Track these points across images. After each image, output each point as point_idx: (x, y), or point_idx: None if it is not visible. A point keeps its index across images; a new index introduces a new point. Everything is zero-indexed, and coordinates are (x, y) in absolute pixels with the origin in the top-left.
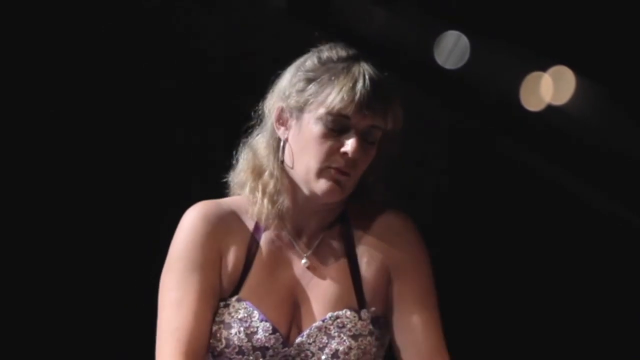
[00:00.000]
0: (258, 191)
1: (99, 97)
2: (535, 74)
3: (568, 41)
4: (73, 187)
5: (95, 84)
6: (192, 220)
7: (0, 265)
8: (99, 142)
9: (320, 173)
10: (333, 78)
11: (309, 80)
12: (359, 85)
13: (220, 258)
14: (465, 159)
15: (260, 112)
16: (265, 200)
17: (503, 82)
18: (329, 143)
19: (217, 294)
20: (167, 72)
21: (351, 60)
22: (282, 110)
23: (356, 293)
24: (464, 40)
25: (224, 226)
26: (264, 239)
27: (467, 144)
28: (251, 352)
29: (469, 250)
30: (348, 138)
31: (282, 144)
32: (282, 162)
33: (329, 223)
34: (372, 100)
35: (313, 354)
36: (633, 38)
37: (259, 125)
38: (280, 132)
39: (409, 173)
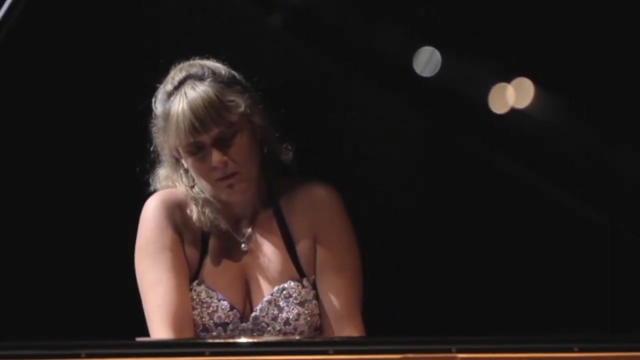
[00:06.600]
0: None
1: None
2: (501, 84)
3: (528, 57)
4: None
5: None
6: (154, 208)
7: None
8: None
9: (215, 188)
10: (165, 124)
11: (158, 131)
12: (182, 117)
13: (182, 243)
14: (440, 156)
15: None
16: (195, 214)
17: (475, 90)
18: (200, 166)
19: (187, 270)
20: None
21: (176, 91)
22: (175, 150)
23: (295, 264)
24: (437, 54)
25: (181, 215)
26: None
27: (442, 141)
28: (214, 329)
29: (443, 245)
30: (208, 154)
31: (185, 170)
32: (193, 186)
33: (259, 205)
34: (201, 119)
35: (268, 325)
36: (579, 56)
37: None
38: (182, 161)
39: (387, 168)
